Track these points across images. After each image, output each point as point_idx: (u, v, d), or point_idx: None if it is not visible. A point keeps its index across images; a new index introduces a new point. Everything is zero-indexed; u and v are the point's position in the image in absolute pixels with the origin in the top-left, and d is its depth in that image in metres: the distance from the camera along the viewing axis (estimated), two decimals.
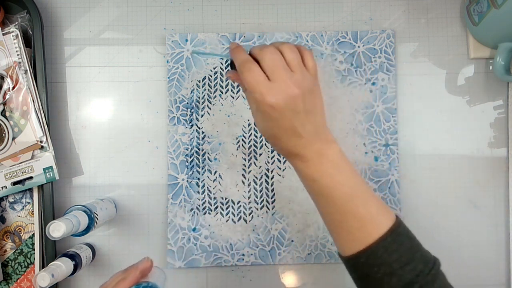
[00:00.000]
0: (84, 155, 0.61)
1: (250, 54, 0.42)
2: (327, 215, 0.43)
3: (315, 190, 0.43)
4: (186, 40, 0.61)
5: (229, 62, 0.45)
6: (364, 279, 0.42)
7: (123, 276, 0.41)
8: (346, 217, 0.41)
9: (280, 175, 0.61)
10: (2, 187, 0.56)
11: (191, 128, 0.61)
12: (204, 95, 0.61)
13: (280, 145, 0.43)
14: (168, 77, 0.61)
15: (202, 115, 0.61)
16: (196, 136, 0.61)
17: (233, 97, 0.61)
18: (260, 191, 0.60)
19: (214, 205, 0.60)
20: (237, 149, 0.61)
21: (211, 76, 0.61)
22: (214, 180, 0.60)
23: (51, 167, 0.57)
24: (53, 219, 0.56)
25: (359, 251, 0.41)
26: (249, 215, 0.60)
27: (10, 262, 0.59)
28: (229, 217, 0.60)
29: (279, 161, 0.61)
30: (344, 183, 0.42)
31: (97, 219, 0.53)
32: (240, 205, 0.60)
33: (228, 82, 0.61)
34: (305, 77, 0.41)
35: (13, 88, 0.56)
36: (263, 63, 0.40)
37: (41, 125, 0.57)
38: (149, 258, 0.43)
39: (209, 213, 0.60)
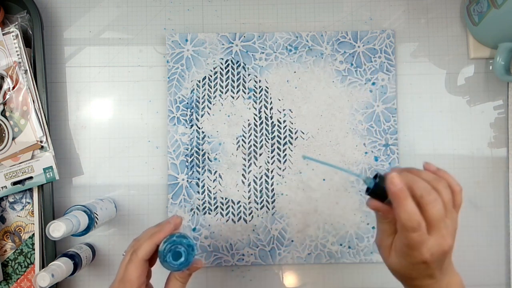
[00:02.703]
0: (84, 155, 0.61)
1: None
2: None
3: None
4: (186, 40, 0.61)
5: (365, 180, 0.40)
6: None
7: (157, 229, 0.43)
8: None
9: (280, 175, 0.61)
10: (2, 187, 0.56)
11: (191, 128, 0.61)
12: (204, 95, 0.61)
13: (409, 283, 0.41)
14: (168, 77, 0.61)
15: (202, 115, 0.61)
16: (196, 136, 0.61)
17: (233, 97, 0.61)
18: (260, 191, 0.60)
19: (214, 205, 0.60)
20: (237, 149, 0.61)
21: (211, 76, 0.61)
22: (214, 180, 0.60)
23: (51, 167, 0.57)
24: (53, 219, 0.56)
25: None
26: (249, 215, 0.60)
27: (10, 262, 0.59)
28: (229, 217, 0.60)
29: (279, 161, 0.61)
30: None
31: (97, 219, 0.53)
32: (240, 205, 0.60)
33: (228, 82, 0.61)
34: (454, 220, 0.39)
35: (13, 88, 0.56)
36: (427, 213, 0.37)
37: (41, 125, 0.57)
38: (179, 216, 0.46)
39: (209, 213, 0.60)
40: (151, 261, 0.44)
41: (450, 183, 0.40)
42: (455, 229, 0.39)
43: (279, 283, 0.61)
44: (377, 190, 0.39)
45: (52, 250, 0.57)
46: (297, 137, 0.61)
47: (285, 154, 0.61)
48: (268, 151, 0.61)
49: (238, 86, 0.61)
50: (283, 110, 0.61)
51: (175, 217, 0.46)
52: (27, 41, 0.58)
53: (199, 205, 0.60)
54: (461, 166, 0.62)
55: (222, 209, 0.60)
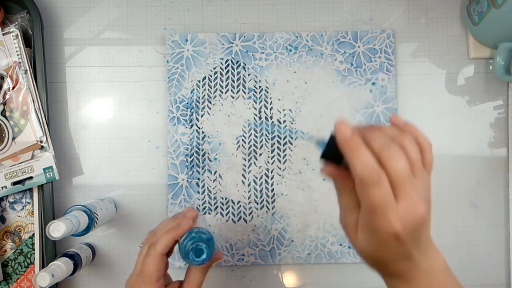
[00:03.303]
0: (84, 155, 0.61)
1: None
2: None
3: None
4: (186, 40, 0.61)
5: (318, 142, 0.34)
6: None
7: (175, 223, 0.42)
8: None
9: (280, 175, 0.61)
10: (2, 187, 0.56)
11: (191, 128, 0.61)
12: (204, 95, 0.61)
13: (385, 269, 0.35)
14: (168, 77, 0.61)
15: (202, 115, 0.61)
16: (196, 136, 0.61)
17: (233, 97, 0.61)
18: (260, 191, 0.60)
19: (214, 205, 0.60)
20: (237, 149, 0.61)
21: (211, 76, 0.61)
22: (214, 180, 0.60)
23: (51, 167, 0.57)
24: (53, 219, 0.56)
25: None
26: (249, 215, 0.60)
27: (10, 262, 0.59)
28: (229, 217, 0.60)
29: (279, 161, 0.61)
30: None
31: (97, 219, 0.53)
32: (240, 205, 0.60)
33: (228, 82, 0.61)
34: (426, 183, 0.32)
35: (13, 88, 0.56)
36: (389, 171, 0.30)
37: (41, 125, 0.57)
38: (194, 209, 0.44)
39: (209, 213, 0.60)
40: (168, 252, 0.44)
41: (417, 138, 0.33)
42: (429, 195, 0.32)
43: (279, 283, 0.61)
44: (331, 151, 0.32)
45: (52, 250, 0.57)
46: (297, 137, 0.61)
47: (285, 154, 0.61)
48: (268, 151, 0.61)
49: (238, 86, 0.61)
50: (283, 110, 0.61)
51: (191, 210, 0.44)
52: (27, 41, 0.58)
53: (199, 205, 0.60)
54: (461, 166, 0.62)
55: (222, 209, 0.60)
